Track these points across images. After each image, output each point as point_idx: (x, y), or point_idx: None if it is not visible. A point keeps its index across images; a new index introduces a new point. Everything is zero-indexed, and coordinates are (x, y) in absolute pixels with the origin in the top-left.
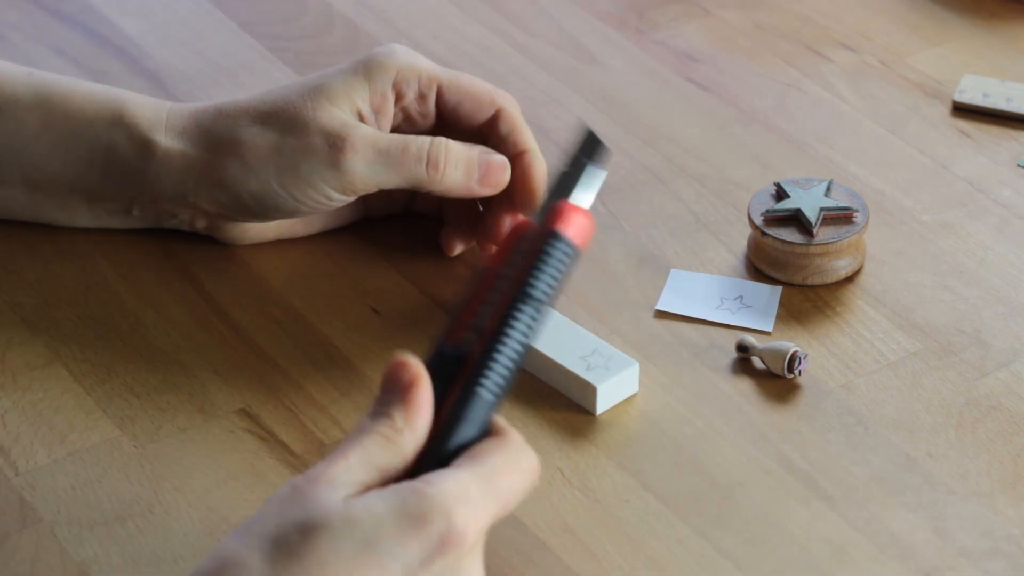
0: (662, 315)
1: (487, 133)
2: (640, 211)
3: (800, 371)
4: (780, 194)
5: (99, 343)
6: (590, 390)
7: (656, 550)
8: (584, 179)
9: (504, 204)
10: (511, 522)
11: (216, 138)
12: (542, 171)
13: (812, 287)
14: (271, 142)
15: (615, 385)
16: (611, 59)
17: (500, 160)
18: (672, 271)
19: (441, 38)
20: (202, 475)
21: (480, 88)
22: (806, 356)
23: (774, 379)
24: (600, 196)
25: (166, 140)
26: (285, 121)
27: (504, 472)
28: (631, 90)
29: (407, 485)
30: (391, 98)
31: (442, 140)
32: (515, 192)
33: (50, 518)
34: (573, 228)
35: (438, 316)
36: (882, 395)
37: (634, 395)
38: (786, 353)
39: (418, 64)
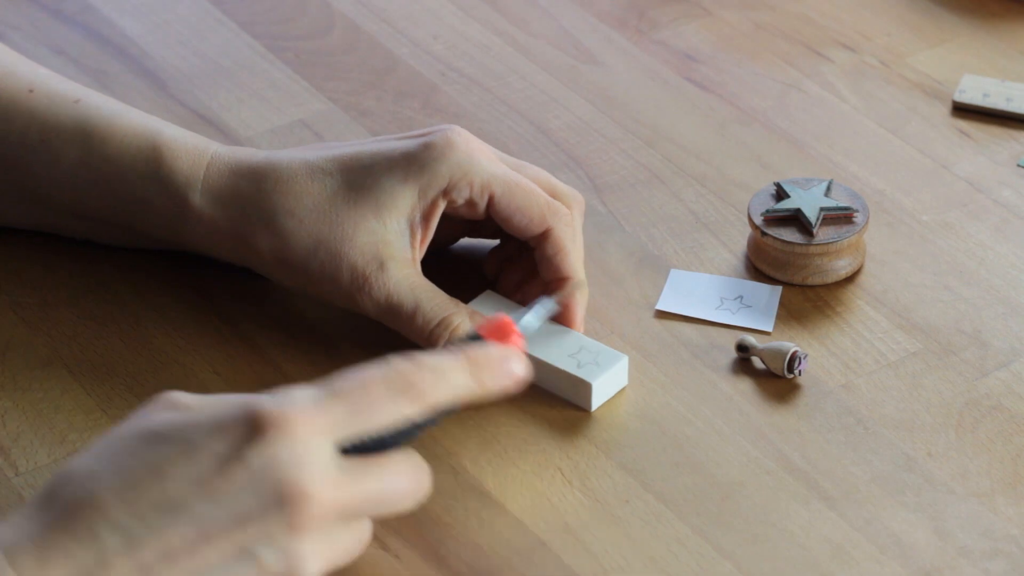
0: (662, 315)
1: (534, 245)
2: (640, 211)
3: (800, 371)
4: (780, 194)
5: (99, 343)
6: (584, 387)
7: (656, 550)
8: (538, 308)
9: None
10: (511, 522)
11: (252, 218)
12: (583, 300)
13: (812, 287)
14: (304, 250)
15: (608, 380)
16: (611, 59)
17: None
18: (672, 271)
19: (441, 38)
20: None
21: (534, 203)
22: (806, 356)
23: (774, 379)
24: (601, 196)
25: (200, 201)
26: (326, 227)
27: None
28: (631, 90)
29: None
30: (441, 204)
31: (455, 322)
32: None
33: None
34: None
35: None
36: (882, 395)
37: (624, 388)
38: (786, 353)
39: (471, 171)
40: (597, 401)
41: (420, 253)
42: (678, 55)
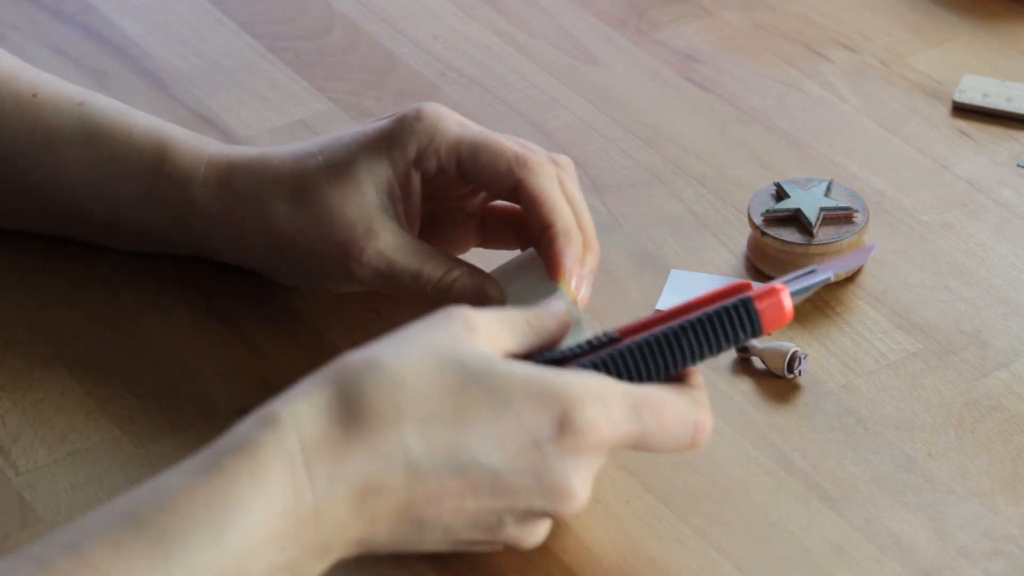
0: None
1: (520, 206)
2: (640, 211)
3: (800, 371)
4: (780, 194)
5: (99, 343)
6: None
7: (656, 550)
8: (810, 281)
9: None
10: None
11: (245, 206)
12: (571, 248)
13: None
14: (295, 230)
15: None
16: (611, 59)
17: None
18: (672, 271)
19: (441, 38)
20: None
21: (500, 158)
22: (806, 356)
23: (774, 379)
24: (601, 196)
25: (201, 194)
26: (312, 206)
27: (660, 407)
28: (631, 90)
29: (554, 368)
30: (416, 177)
31: (454, 274)
32: (546, 269)
33: (50, 518)
34: (769, 311)
35: None
36: (882, 395)
37: None
38: (786, 353)
39: (437, 137)
40: None
41: (414, 227)
42: (678, 55)
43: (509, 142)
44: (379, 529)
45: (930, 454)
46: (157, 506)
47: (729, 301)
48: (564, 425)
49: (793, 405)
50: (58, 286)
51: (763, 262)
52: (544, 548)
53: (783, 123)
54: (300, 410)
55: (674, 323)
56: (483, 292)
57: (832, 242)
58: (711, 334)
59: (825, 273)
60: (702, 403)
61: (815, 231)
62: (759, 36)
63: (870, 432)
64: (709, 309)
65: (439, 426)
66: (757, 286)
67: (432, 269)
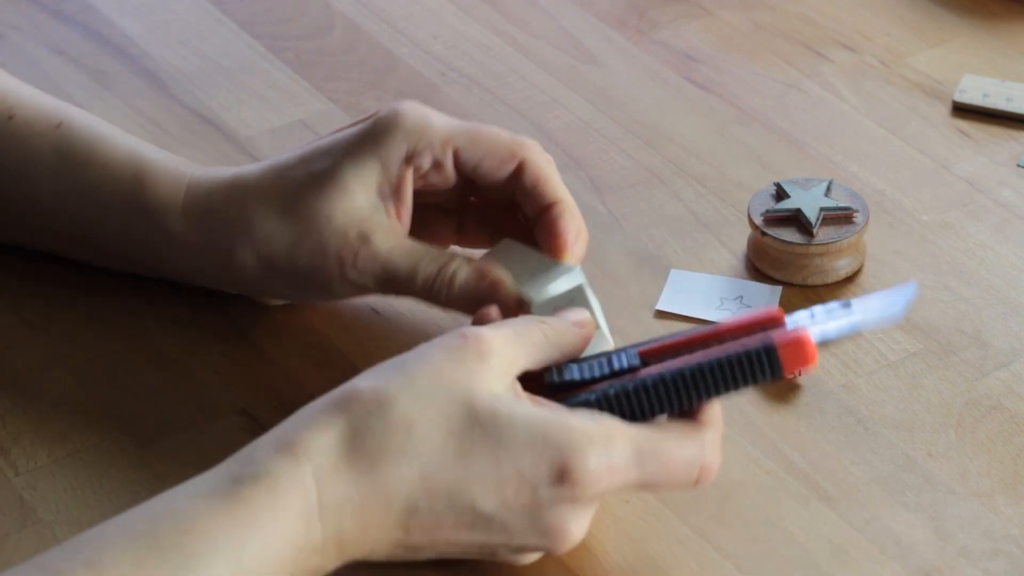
0: (662, 315)
1: (513, 187)
2: (640, 211)
3: (800, 371)
4: (780, 194)
5: (99, 343)
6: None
7: (656, 550)
8: (842, 324)
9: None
10: None
11: (231, 233)
12: (574, 223)
13: (812, 287)
14: (287, 247)
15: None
16: (611, 59)
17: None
18: (672, 271)
19: (441, 38)
20: None
21: (499, 142)
22: None
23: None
24: (601, 196)
25: (180, 226)
26: (301, 219)
27: (666, 453)
28: (631, 90)
29: (558, 410)
30: (408, 175)
31: (451, 268)
32: (546, 246)
33: (50, 518)
34: (792, 357)
35: (438, 316)
36: (882, 395)
37: None
38: None
39: (429, 132)
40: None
41: (406, 227)
42: (678, 55)
43: (497, 128)
44: (377, 552)
45: (930, 454)
46: (179, 530)
47: (752, 347)
48: (564, 475)
49: (793, 405)
50: (58, 286)
51: (763, 262)
52: None
53: (783, 123)
54: (315, 442)
55: (694, 361)
56: (486, 278)
57: (832, 242)
58: (730, 376)
59: (857, 319)
60: (710, 444)
61: (815, 231)
62: (759, 36)
63: (870, 432)
64: (731, 352)
65: (441, 471)
66: (789, 322)
67: (427, 266)
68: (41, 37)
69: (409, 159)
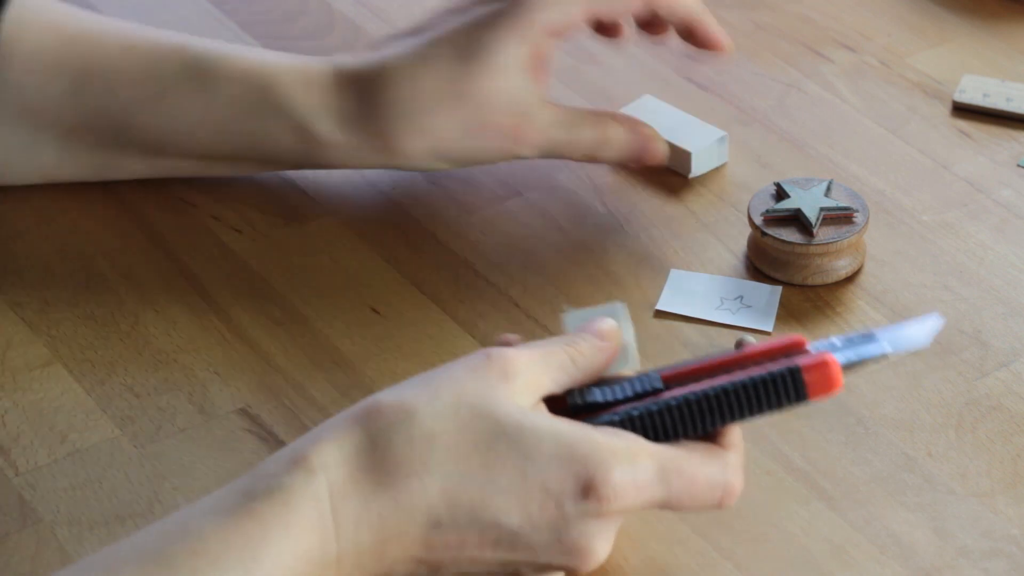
0: (662, 315)
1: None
2: (640, 211)
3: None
4: (780, 194)
5: (99, 343)
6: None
7: (656, 550)
8: (866, 349)
9: None
10: None
11: (392, 127)
12: (710, 22)
13: (812, 287)
14: (455, 134)
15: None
16: (611, 59)
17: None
18: (672, 271)
19: None
20: (202, 475)
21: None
22: None
23: None
24: (601, 196)
25: (328, 128)
26: (464, 106)
27: (690, 472)
28: (631, 90)
29: (584, 426)
30: (552, 46)
31: (611, 131)
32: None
33: (50, 518)
34: (817, 381)
35: (438, 316)
36: (882, 395)
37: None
38: None
39: (566, 14)
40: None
41: (547, 88)
42: (678, 55)
43: None
44: (397, 570)
45: (930, 454)
46: (190, 550)
47: (778, 369)
48: (589, 490)
49: None
50: (58, 286)
51: (763, 262)
52: None
53: (783, 123)
54: (330, 456)
55: (718, 384)
56: (641, 132)
57: (832, 242)
58: (755, 400)
59: (881, 345)
60: (733, 466)
61: (815, 231)
62: (759, 36)
63: (870, 432)
64: (756, 374)
65: (464, 484)
66: (811, 348)
67: (588, 133)
68: None
69: (554, 32)
